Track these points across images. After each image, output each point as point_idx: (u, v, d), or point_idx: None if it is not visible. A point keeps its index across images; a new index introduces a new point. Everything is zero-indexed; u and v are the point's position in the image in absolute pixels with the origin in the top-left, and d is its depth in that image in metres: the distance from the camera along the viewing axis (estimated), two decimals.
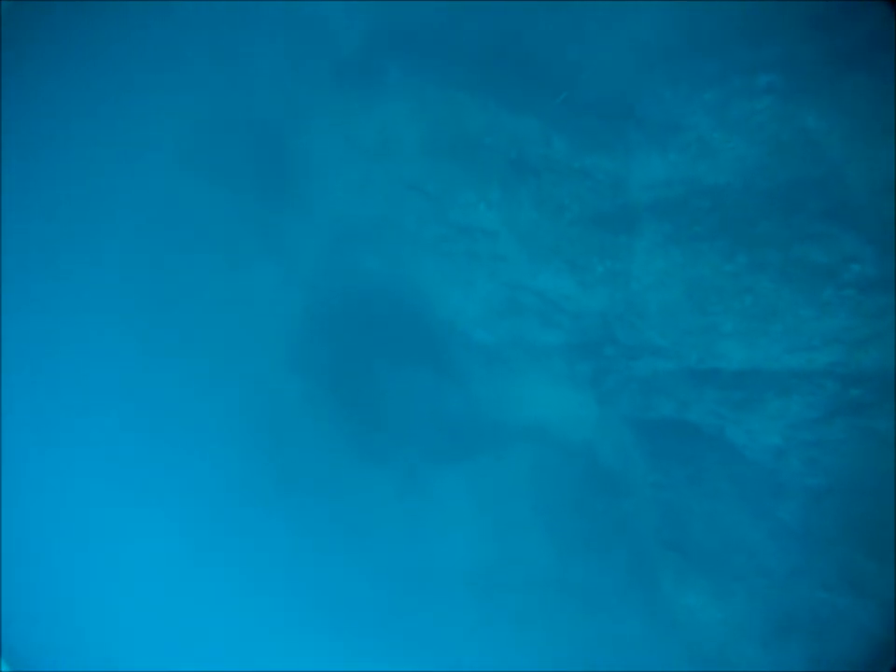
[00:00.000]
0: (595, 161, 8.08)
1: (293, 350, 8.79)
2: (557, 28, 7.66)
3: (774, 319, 7.46)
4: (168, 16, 7.96)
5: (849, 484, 7.10)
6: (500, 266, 8.45)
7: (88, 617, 8.21)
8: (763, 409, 7.49)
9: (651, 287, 8.01)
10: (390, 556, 8.36)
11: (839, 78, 7.18)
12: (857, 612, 6.87)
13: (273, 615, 8.19)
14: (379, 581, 8.33)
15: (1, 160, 7.96)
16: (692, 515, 7.76)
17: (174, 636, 8.11)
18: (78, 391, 8.55)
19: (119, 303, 8.70)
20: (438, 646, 8.12)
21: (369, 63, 8.22)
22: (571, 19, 7.60)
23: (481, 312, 8.41)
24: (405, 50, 8.12)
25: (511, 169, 8.32)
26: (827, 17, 7.16)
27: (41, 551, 8.18)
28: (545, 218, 8.31)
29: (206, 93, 8.47)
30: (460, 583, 8.32)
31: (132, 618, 8.18)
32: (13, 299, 8.21)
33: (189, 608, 8.13)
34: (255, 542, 8.31)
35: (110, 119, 8.32)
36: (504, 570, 8.36)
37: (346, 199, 8.31)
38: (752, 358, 7.58)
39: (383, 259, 8.34)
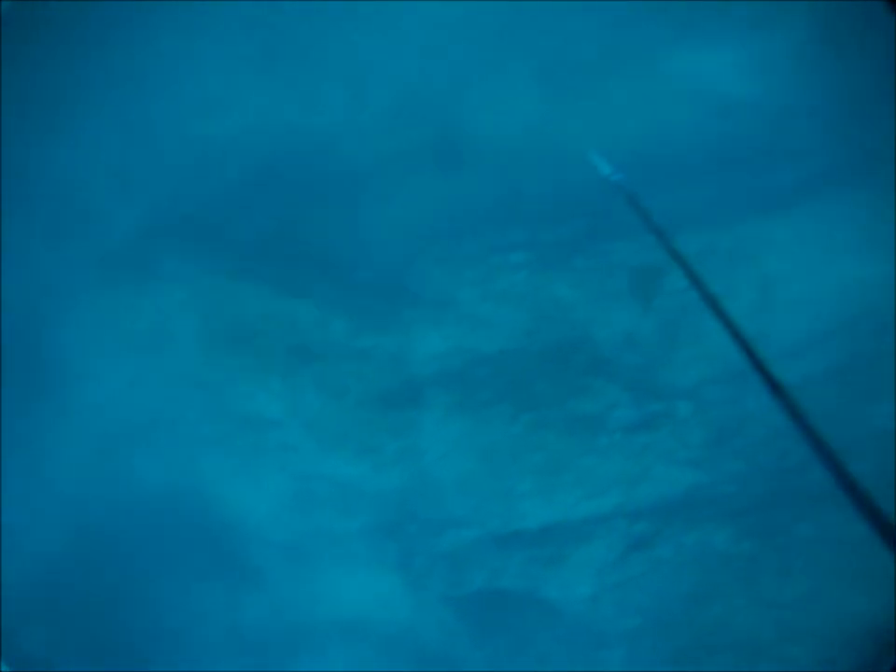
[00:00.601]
0: (374, 341, 8.28)
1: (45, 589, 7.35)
2: (331, 215, 8.05)
3: (564, 472, 7.87)
4: None
5: (657, 618, 7.38)
6: (290, 457, 8.04)
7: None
8: (570, 561, 7.65)
9: (444, 459, 8.09)
10: None
11: (572, 256, 8.36)
12: None
13: None
14: None
15: None
16: None
17: None
18: None
19: None
20: None
21: (141, 252, 7.89)
22: (343, 207, 8.05)
23: (273, 507, 7.82)
24: (179, 239, 7.96)
25: (291, 356, 8.21)
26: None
27: None
28: (330, 403, 8.20)
29: None
30: None
31: None
32: None
33: None
34: None
35: None
36: None
37: (114, 398, 7.53)
38: (551, 513, 7.83)
39: (159, 462, 7.53)
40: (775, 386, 2.36)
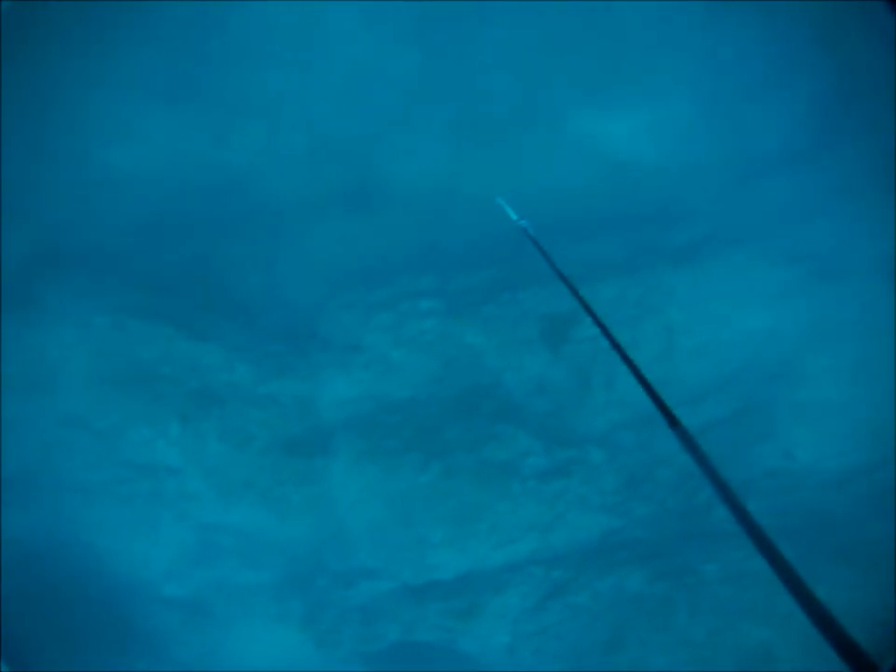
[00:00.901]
0: (281, 386, 7.93)
1: None
2: (240, 255, 7.72)
3: (477, 520, 7.76)
4: None
5: (575, 665, 7.32)
6: (189, 506, 7.44)
7: None
8: (486, 611, 7.47)
9: (353, 508, 7.77)
10: None
11: (482, 304, 8.46)
12: None
13: None
14: None
15: None
16: None
17: None
18: None
19: None
20: None
21: (22, 284, 7.13)
22: (254, 247, 7.75)
23: (171, 560, 7.15)
24: (70, 274, 7.30)
25: (192, 400, 7.69)
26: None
27: None
28: (233, 450, 7.72)
29: None
30: None
31: None
32: None
33: None
34: None
35: None
36: None
37: None
38: (465, 562, 7.65)
39: (40, 513, 6.71)
40: (674, 423, 2.49)
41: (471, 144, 8.30)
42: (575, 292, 3.85)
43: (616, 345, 3.08)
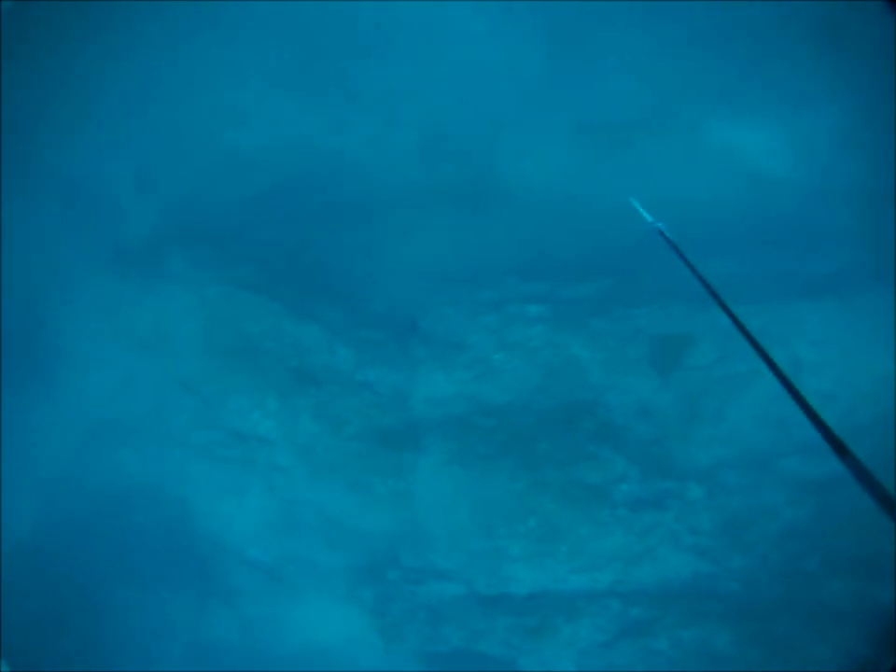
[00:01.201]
0: (378, 375, 7.95)
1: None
2: (348, 241, 7.82)
3: (558, 540, 7.43)
4: None
5: None
6: (278, 477, 7.64)
7: None
8: (555, 636, 7.14)
9: (435, 507, 7.67)
10: None
11: (592, 316, 8.07)
12: None
13: None
14: None
15: None
16: None
17: None
18: None
19: None
20: None
21: (153, 249, 7.64)
22: (362, 234, 7.83)
23: (255, 526, 7.38)
24: (191, 243, 7.71)
25: (291, 377, 7.88)
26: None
27: None
28: (325, 432, 7.82)
29: None
30: None
31: None
32: None
33: None
34: None
35: None
36: None
37: (106, 392, 7.18)
38: (540, 581, 7.35)
39: (144, 460, 7.14)
40: (843, 451, 2.12)
41: (595, 149, 7.95)
42: (716, 296, 3.60)
43: (766, 358, 2.87)
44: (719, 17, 7.28)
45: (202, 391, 7.48)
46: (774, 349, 7.57)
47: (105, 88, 7.95)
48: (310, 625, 6.95)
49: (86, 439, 7.05)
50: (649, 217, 4.91)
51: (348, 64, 7.76)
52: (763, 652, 6.74)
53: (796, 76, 7.29)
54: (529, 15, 7.44)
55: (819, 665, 6.59)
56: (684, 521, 7.25)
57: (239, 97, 8.13)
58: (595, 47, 7.53)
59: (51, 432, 6.99)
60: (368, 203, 7.83)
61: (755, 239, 7.51)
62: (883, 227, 6.98)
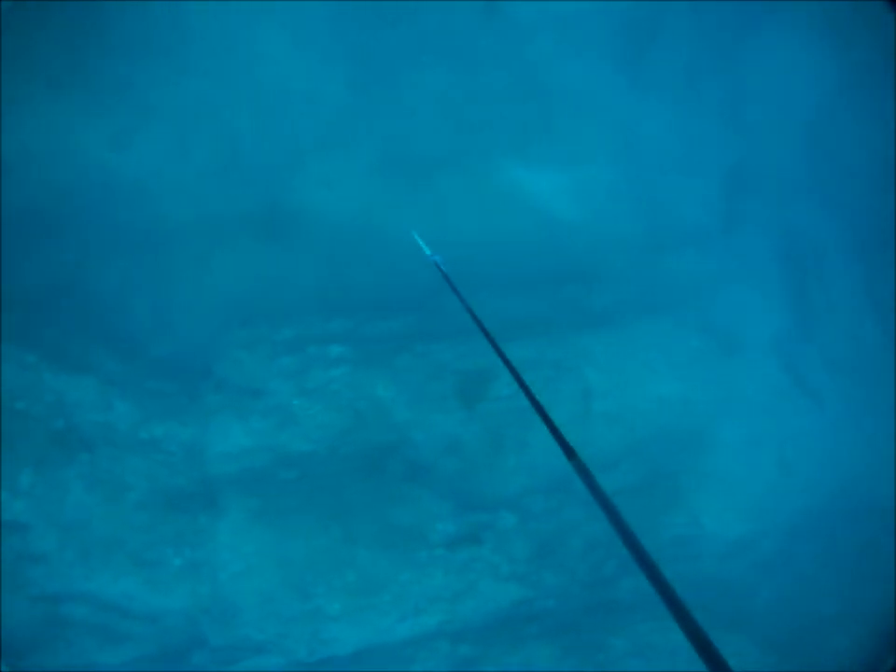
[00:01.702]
0: (166, 430, 6.92)
1: None
2: (129, 276, 6.71)
3: (379, 590, 7.05)
4: None
5: None
6: (36, 571, 6.19)
7: None
8: None
9: (241, 575, 6.83)
10: None
11: (395, 354, 7.92)
12: None
13: None
14: None
15: None
16: None
17: None
18: None
19: None
20: None
21: None
22: (145, 268, 6.78)
23: (10, 639, 5.85)
24: None
25: (53, 443, 6.49)
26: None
27: None
28: (102, 504, 6.57)
29: None
30: None
31: None
32: None
33: None
34: None
35: None
36: None
37: None
38: (365, 636, 6.90)
39: None
40: (571, 455, 2.47)
41: (394, 183, 7.91)
42: (484, 330, 3.64)
43: (535, 402, 2.93)
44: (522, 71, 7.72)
45: None
46: (569, 379, 8.10)
47: None
48: None
49: None
50: (427, 250, 5.00)
51: (134, 70, 6.72)
52: (578, 659, 7.04)
53: (583, 131, 7.99)
54: (338, 44, 7.16)
55: (619, 656, 7.09)
56: (501, 551, 7.34)
57: None
58: (402, 82, 7.49)
59: None
60: (153, 230, 6.80)
61: (543, 276, 7.99)
62: (653, 268, 7.91)
